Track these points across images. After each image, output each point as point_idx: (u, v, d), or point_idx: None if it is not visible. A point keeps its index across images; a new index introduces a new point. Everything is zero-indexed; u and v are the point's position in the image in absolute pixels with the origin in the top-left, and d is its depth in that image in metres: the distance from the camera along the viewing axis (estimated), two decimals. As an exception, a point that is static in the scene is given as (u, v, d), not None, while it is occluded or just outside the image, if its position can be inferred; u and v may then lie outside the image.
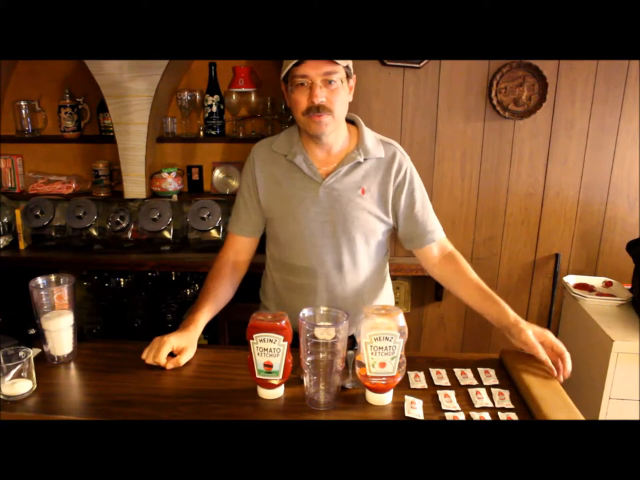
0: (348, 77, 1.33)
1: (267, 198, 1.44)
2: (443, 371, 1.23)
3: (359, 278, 1.46)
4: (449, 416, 1.07)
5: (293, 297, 1.47)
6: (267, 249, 1.53)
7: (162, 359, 1.22)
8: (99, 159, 2.50)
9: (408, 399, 1.11)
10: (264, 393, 1.12)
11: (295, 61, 1.25)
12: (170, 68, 2.25)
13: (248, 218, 1.48)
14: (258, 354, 1.08)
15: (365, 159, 1.39)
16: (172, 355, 1.25)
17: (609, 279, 2.30)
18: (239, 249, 1.50)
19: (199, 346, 1.30)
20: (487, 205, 2.36)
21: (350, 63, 1.32)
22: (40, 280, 1.24)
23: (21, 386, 1.10)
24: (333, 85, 1.29)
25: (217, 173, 2.51)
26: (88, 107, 2.52)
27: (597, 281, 2.31)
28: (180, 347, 1.25)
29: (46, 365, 1.24)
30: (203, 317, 1.34)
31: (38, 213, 2.35)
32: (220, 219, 2.33)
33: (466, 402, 1.12)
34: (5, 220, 2.34)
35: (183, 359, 1.24)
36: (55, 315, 1.22)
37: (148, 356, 1.24)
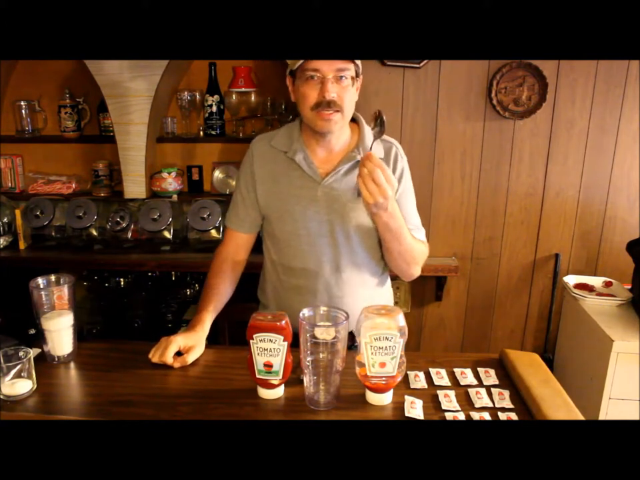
0: (357, 75, 1.32)
1: (265, 196, 1.44)
2: (443, 371, 1.23)
3: (357, 278, 1.45)
4: (448, 416, 1.07)
5: (290, 297, 1.46)
6: (264, 247, 1.52)
7: (168, 358, 1.22)
8: (99, 159, 2.50)
9: (408, 398, 1.11)
10: (264, 393, 1.12)
11: None
12: (170, 68, 2.25)
13: (246, 214, 1.48)
14: (258, 354, 1.08)
15: None
16: (179, 354, 1.25)
17: (609, 279, 2.30)
18: (239, 244, 1.50)
19: (199, 346, 1.30)
20: (487, 205, 2.36)
21: (359, 61, 1.31)
22: (40, 280, 1.24)
23: (20, 386, 1.10)
24: (343, 82, 1.27)
25: (217, 173, 2.51)
26: (88, 106, 2.52)
27: (596, 281, 2.31)
28: (187, 345, 1.26)
29: (46, 364, 1.24)
30: (209, 315, 1.35)
31: (38, 213, 2.35)
32: (220, 218, 2.33)
33: (466, 402, 1.12)
34: (5, 220, 2.34)
35: (190, 358, 1.24)
36: (55, 315, 1.22)
37: (154, 355, 1.24)
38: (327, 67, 1.25)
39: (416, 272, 1.45)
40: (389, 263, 1.45)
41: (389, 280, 1.59)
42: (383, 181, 1.17)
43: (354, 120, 1.44)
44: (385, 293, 1.56)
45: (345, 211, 1.38)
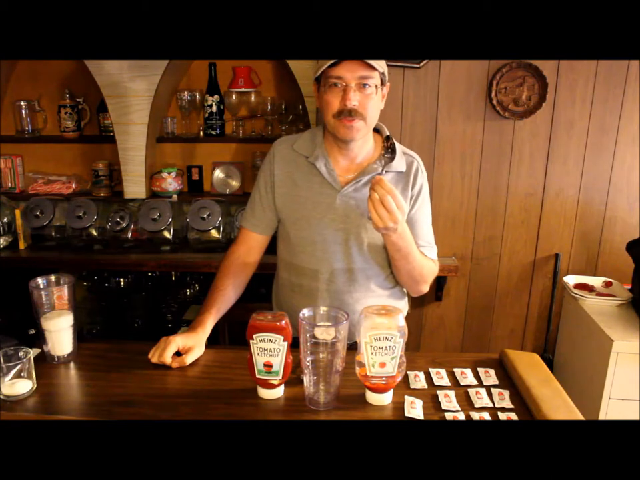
0: (382, 83, 1.30)
1: (282, 198, 1.43)
2: (443, 371, 1.23)
3: (370, 288, 1.44)
4: (448, 416, 1.07)
5: (301, 301, 1.44)
6: (278, 249, 1.52)
7: (167, 358, 1.22)
8: (99, 158, 2.50)
9: (408, 399, 1.11)
10: (264, 393, 1.12)
11: (330, 61, 1.23)
12: (170, 68, 2.25)
13: (263, 214, 1.47)
14: (258, 354, 1.08)
15: (386, 172, 1.35)
16: (179, 354, 1.25)
17: (608, 279, 2.30)
18: (251, 246, 1.48)
19: (199, 346, 1.30)
20: (487, 205, 2.36)
21: (386, 69, 1.30)
22: (40, 280, 1.24)
23: (20, 386, 1.10)
24: (367, 90, 1.26)
25: (217, 173, 2.51)
26: (88, 107, 2.52)
27: (596, 281, 2.31)
28: (186, 346, 1.25)
29: (46, 365, 1.24)
30: (211, 317, 1.34)
31: (38, 213, 2.35)
32: (220, 218, 2.33)
33: (466, 402, 1.12)
34: (5, 220, 2.34)
35: (189, 359, 1.24)
36: (55, 315, 1.22)
37: (154, 355, 1.24)
38: (350, 75, 1.24)
39: (424, 289, 1.45)
40: (398, 279, 1.45)
41: (404, 295, 1.56)
42: (393, 207, 1.16)
43: (378, 131, 1.43)
44: (398, 305, 1.51)
45: (361, 222, 1.37)
